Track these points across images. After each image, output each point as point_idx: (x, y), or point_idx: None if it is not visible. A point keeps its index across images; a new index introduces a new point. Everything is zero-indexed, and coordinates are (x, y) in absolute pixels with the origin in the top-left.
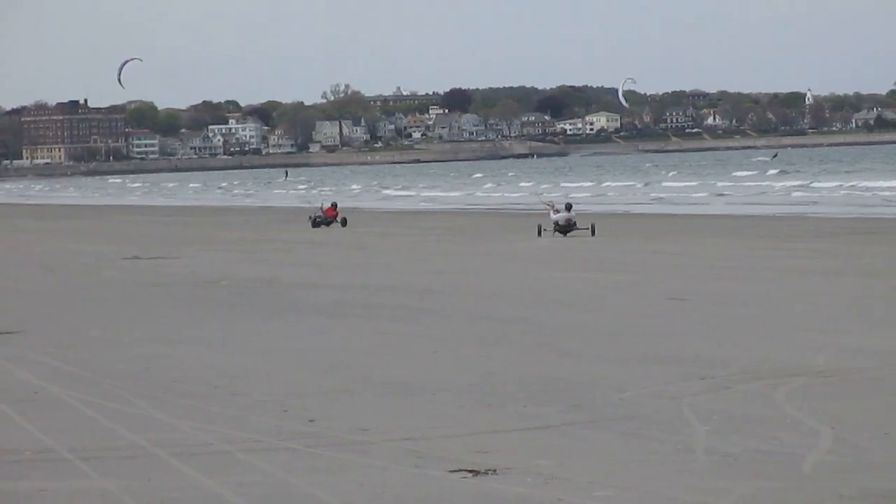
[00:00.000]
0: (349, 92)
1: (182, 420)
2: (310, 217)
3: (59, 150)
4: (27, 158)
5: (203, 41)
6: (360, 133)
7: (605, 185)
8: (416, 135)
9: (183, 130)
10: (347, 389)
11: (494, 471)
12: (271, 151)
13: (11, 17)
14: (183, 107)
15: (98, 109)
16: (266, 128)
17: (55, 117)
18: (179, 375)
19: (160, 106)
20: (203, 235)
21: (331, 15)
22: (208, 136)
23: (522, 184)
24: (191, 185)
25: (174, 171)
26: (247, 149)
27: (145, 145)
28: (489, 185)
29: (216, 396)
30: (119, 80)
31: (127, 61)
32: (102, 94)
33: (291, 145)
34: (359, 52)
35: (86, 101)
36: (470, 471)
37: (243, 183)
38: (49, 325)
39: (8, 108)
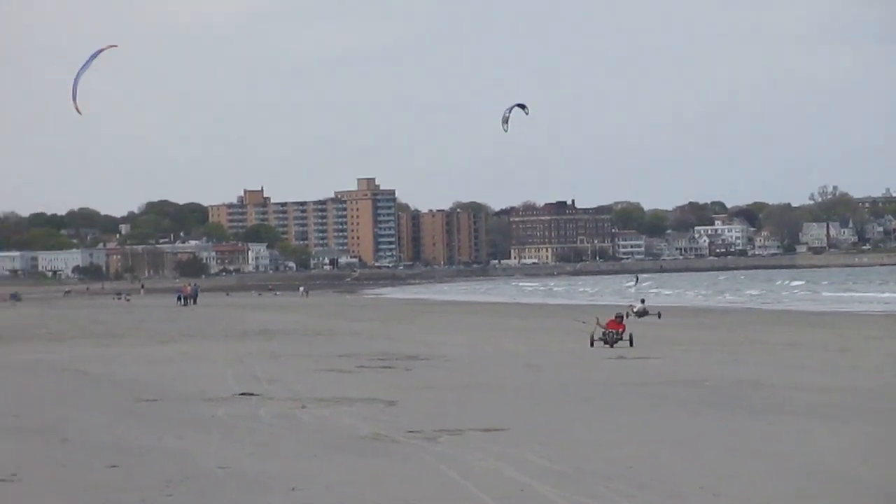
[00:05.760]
0: (837, 193)
1: None
2: (594, 336)
3: (546, 250)
4: (515, 258)
5: (688, 142)
6: (847, 234)
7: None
8: None
9: (669, 231)
10: (833, 495)
11: None
12: (757, 253)
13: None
14: (669, 207)
15: (585, 210)
16: (752, 229)
17: (543, 217)
18: (663, 475)
19: (646, 207)
20: (675, 335)
21: (815, 116)
22: (694, 237)
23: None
24: (581, 288)
25: (659, 271)
26: (732, 250)
27: (631, 246)
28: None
29: (700, 497)
30: (503, 125)
31: (513, 107)
32: (589, 195)
33: (777, 247)
34: (847, 153)
35: (573, 201)
36: None
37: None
38: (535, 422)
39: (497, 208)
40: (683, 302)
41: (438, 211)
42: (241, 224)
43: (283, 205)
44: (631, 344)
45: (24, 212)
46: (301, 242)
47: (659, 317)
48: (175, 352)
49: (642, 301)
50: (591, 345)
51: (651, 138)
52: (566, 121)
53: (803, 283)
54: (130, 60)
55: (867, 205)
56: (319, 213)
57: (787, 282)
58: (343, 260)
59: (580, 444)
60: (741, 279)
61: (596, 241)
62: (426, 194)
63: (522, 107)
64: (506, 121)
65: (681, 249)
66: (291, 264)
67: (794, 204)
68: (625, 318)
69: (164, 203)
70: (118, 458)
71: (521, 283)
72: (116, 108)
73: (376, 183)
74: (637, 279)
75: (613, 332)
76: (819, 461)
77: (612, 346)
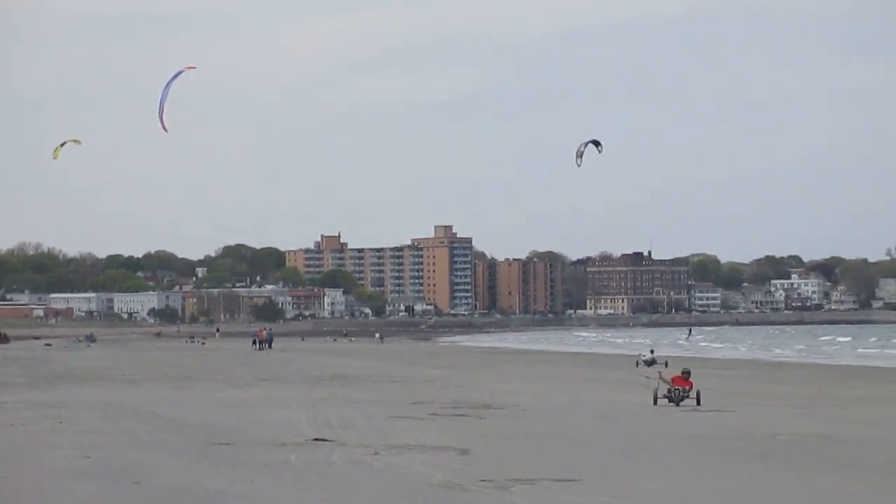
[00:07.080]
0: None
1: None
2: (657, 392)
3: (622, 301)
4: (590, 308)
5: (766, 195)
6: None
7: None
8: None
9: (745, 284)
10: None
11: None
12: (833, 307)
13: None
14: (746, 260)
15: (662, 261)
16: (828, 283)
17: (619, 268)
18: None
19: (723, 259)
20: (745, 389)
21: (893, 171)
22: (770, 291)
23: None
24: (637, 339)
25: (735, 324)
26: (808, 304)
27: (707, 298)
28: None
29: None
30: (577, 159)
31: (588, 143)
32: (666, 246)
33: (853, 302)
34: None
35: (650, 252)
36: None
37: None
38: (607, 473)
39: (574, 258)
40: (738, 355)
41: (515, 260)
42: (317, 269)
43: (360, 251)
44: (698, 402)
45: (101, 253)
46: (377, 289)
47: (666, 365)
48: (249, 396)
49: (651, 351)
50: (655, 402)
51: (728, 191)
52: (644, 172)
53: (850, 339)
54: (211, 103)
55: None
56: (396, 260)
57: (834, 337)
58: (419, 307)
59: (652, 496)
60: (792, 334)
61: (672, 293)
62: (503, 243)
63: (597, 144)
64: (580, 155)
65: (757, 303)
66: (367, 310)
67: (871, 259)
68: (636, 366)
69: (241, 247)
70: (190, 501)
71: (579, 333)
72: (193, 150)
73: (453, 231)
74: (690, 332)
75: (679, 390)
76: None
77: (677, 404)
